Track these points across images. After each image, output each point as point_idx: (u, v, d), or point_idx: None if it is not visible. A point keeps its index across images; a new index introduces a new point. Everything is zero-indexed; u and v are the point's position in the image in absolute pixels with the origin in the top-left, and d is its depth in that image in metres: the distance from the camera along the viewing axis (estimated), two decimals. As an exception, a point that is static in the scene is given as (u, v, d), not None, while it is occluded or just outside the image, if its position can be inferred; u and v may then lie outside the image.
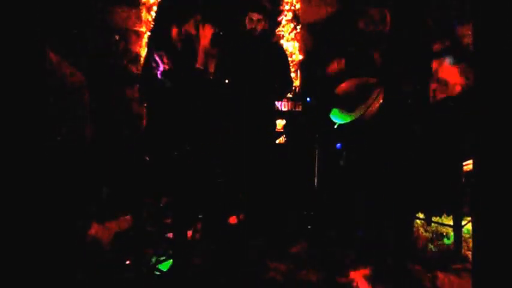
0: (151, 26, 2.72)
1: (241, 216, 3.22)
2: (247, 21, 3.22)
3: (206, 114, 2.72)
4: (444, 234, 3.22)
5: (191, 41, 2.64)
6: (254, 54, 3.25)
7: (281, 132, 3.60)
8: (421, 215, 3.42)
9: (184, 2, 2.61)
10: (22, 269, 1.69)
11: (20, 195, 1.67)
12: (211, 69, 2.71)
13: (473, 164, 1.57)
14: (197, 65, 2.62)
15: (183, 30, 2.61)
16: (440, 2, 3.69)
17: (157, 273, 2.59)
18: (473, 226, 1.61)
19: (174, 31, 2.59)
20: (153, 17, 2.67)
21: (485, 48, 1.50)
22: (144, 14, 4.06)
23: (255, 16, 3.19)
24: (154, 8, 3.99)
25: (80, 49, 3.65)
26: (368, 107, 2.75)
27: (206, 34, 2.64)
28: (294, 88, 3.81)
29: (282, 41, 3.98)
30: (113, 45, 3.98)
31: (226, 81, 3.14)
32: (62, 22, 3.63)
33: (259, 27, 3.21)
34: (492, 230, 1.46)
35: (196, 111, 2.64)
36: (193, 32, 2.63)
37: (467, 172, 2.96)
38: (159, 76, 2.51)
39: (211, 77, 2.73)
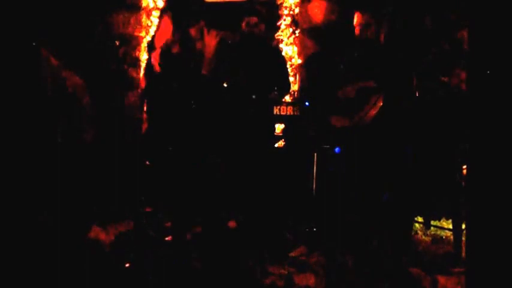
0: (155, 31, 2.72)
1: (240, 220, 3.22)
2: (244, 25, 3.29)
3: (206, 118, 2.72)
4: (443, 237, 3.22)
5: (195, 47, 2.65)
6: (252, 58, 3.27)
7: (280, 136, 3.60)
8: (420, 219, 3.42)
9: (188, 8, 2.61)
10: (19, 269, 1.70)
11: (19, 196, 1.68)
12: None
13: (467, 167, 1.58)
14: (203, 71, 2.63)
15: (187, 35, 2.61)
16: (440, 5, 3.70)
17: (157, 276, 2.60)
18: (467, 228, 1.61)
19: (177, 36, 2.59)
20: (157, 23, 2.67)
21: (480, 52, 1.51)
22: (144, 19, 4.08)
23: (252, 20, 3.28)
24: (154, 13, 4.01)
25: (80, 54, 3.67)
26: (367, 111, 2.76)
27: (211, 40, 2.65)
28: (292, 92, 3.81)
29: (281, 45, 4.00)
30: (113, 50, 4.00)
31: (225, 84, 3.15)
32: (62, 27, 3.65)
33: (256, 31, 3.29)
34: (486, 232, 1.47)
35: (197, 117, 2.64)
36: (197, 37, 2.64)
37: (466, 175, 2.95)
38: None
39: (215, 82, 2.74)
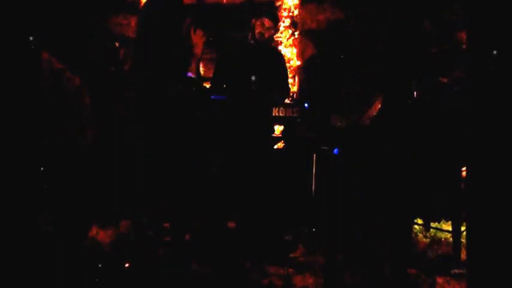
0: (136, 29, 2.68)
1: (239, 221, 3.22)
2: (258, 24, 3.21)
3: (202, 120, 2.72)
4: (443, 239, 3.22)
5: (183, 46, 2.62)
6: (253, 59, 3.26)
7: (279, 137, 3.61)
8: (419, 221, 3.42)
9: (174, 6, 2.58)
10: (19, 269, 1.70)
11: (19, 196, 1.68)
12: (204, 73, 2.70)
13: (467, 168, 1.58)
14: (189, 73, 2.60)
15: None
16: (440, 6, 3.71)
17: (156, 277, 2.60)
18: (467, 230, 1.61)
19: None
20: (139, 21, 2.63)
21: (480, 53, 1.51)
22: (144, 21, 4.09)
23: (268, 23, 3.21)
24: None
25: (80, 55, 3.67)
26: (366, 112, 2.76)
27: (197, 40, 2.61)
28: (292, 94, 3.82)
29: (280, 47, 4.01)
30: (113, 52, 4.01)
31: (224, 86, 3.15)
32: (62, 29, 3.66)
33: (267, 34, 3.23)
34: (487, 234, 1.47)
35: (191, 118, 2.64)
36: (184, 36, 2.60)
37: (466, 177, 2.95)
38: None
39: (203, 83, 2.73)
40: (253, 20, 3.23)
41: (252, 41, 3.26)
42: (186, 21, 2.57)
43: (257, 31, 3.21)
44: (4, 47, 1.66)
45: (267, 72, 3.25)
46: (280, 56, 3.52)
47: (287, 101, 3.59)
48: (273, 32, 3.31)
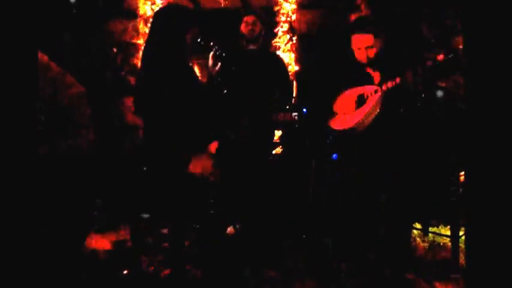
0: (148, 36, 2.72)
1: (238, 227, 3.22)
2: (243, 27, 3.27)
3: (205, 124, 2.72)
4: (441, 244, 3.22)
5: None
6: (254, 64, 3.27)
7: (277, 142, 3.61)
8: (418, 225, 3.42)
9: (183, 15, 2.62)
10: (15, 278, 1.69)
11: (16, 204, 1.68)
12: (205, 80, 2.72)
13: (466, 172, 1.58)
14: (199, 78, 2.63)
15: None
16: (436, 12, 3.72)
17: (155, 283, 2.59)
18: (466, 235, 1.61)
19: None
20: (150, 28, 2.66)
21: (477, 59, 1.51)
22: (141, 26, 4.10)
23: (250, 19, 3.26)
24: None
25: (78, 61, 3.68)
26: (365, 117, 2.76)
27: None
28: (291, 98, 3.83)
29: (278, 52, 4.01)
30: (111, 58, 4.02)
31: (226, 91, 3.14)
32: (60, 35, 3.67)
33: (256, 30, 3.26)
34: (486, 239, 1.47)
35: (196, 122, 2.64)
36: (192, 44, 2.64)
37: (464, 182, 2.96)
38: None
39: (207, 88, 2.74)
40: (239, 29, 3.30)
41: (250, 45, 3.28)
42: (193, 30, 2.59)
43: (246, 31, 3.26)
44: (3, 49, 1.66)
45: (269, 77, 3.25)
46: (281, 61, 3.52)
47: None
48: (261, 26, 3.31)
